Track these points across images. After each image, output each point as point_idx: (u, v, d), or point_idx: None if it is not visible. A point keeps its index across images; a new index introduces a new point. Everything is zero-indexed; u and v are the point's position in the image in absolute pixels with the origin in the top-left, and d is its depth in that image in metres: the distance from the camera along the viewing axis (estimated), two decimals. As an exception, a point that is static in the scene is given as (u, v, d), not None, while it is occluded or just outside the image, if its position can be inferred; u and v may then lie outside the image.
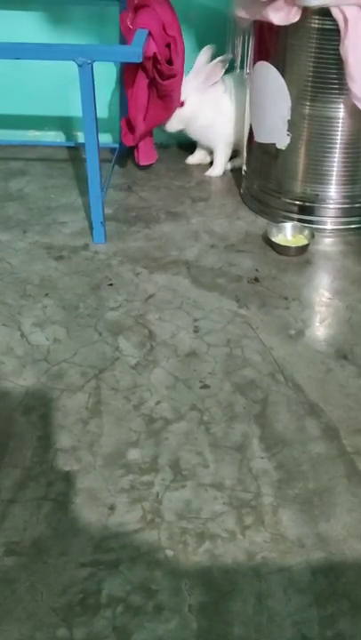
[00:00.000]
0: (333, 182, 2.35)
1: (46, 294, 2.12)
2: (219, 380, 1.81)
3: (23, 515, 1.47)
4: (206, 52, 2.58)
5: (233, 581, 1.35)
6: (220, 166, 2.78)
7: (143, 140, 2.70)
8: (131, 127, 2.58)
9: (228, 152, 2.78)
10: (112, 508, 1.49)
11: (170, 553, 1.40)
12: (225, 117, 2.68)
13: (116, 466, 1.58)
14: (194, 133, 2.75)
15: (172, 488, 1.53)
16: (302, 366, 1.86)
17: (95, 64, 2.07)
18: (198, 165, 2.87)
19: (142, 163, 2.74)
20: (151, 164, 2.79)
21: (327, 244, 2.39)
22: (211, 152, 2.83)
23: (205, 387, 1.80)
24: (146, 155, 2.74)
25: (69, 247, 2.35)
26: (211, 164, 2.83)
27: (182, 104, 2.62)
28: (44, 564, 1.38)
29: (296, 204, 2.42)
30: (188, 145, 2.93)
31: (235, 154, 2.80)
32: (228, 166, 2.82)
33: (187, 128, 2.72)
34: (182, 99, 2.61)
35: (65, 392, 1.77)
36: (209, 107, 2.65)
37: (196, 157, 2.87)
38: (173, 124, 2.68)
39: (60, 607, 1.31)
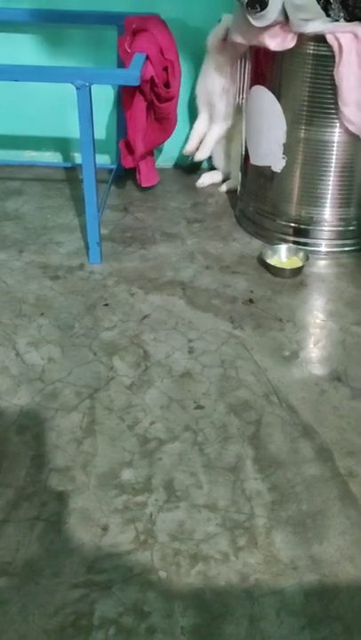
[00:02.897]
0: (328, 205, 2.37)
1: (42, 314, 2.13)
2: (213, 401, 1.82)
3: (16, 535, 1.46)
4: None
5: (226, 603, 1.35)
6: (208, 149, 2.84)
7: (145, 162, 2.72)
8: (130, 149, 2.60)
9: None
10: (105, 528, 1.48)
11: (163, 574, 1.40)
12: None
13: (109, 486, 1.58)
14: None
15: (165, 509, 1.53)
16: (296, 388, 1.87)
17: (93, 86, 2.09)
18: (198, 187, 2.88)
19: (144, 184, 2.76)
20: (153, 186, 2.81)
21: (322, 266, 2.41)
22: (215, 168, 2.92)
23: (200, 407, 1.80)
24: (147, 177, 2.75)
25: (65, 267, 2.36)
26: (223, 181, 2.88)
27: None
28: (37, 584, 1.37)
29: (291, 227, 2.44)
30: (186, 167, 2.96)
31: (227, 176, 2.84)
32: (224, 188, 2.85)
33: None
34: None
35: (59, 411, 1.77)
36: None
37: (209, 178, 2.91)
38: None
39: (52, 629, 1.30)
